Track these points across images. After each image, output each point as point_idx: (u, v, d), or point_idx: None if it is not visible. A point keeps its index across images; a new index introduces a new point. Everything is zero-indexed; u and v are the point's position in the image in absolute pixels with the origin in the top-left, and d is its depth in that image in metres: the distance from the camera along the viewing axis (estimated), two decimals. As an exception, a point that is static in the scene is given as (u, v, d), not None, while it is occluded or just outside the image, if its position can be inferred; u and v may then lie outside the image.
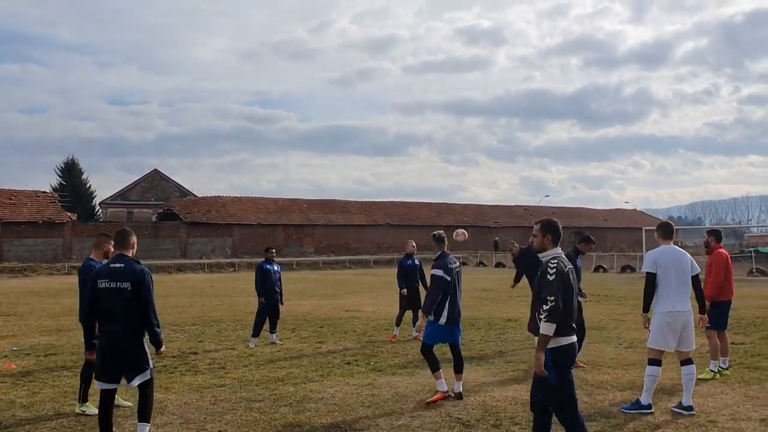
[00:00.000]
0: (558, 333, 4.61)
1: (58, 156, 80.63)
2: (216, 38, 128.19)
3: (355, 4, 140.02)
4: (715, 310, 8.35)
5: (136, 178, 73.75)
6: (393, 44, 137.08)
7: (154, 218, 59.88)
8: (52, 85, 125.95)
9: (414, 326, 10.12)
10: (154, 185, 71.48)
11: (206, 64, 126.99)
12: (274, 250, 12.54)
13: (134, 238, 5.99)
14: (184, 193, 68.53)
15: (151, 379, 5.67)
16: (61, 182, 76.03)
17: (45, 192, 49.50)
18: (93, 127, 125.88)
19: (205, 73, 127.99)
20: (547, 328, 4.59)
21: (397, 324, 12.32)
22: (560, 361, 4.66)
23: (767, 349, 10.56)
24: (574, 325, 4.78)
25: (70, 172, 76.99)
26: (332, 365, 9.47)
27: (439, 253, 7.73)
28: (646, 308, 7.02)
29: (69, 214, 47.24)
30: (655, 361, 6.76)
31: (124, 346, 5.49)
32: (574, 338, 4.78)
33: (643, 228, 37.59)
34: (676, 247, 7.07)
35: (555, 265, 4.70)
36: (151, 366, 5.67)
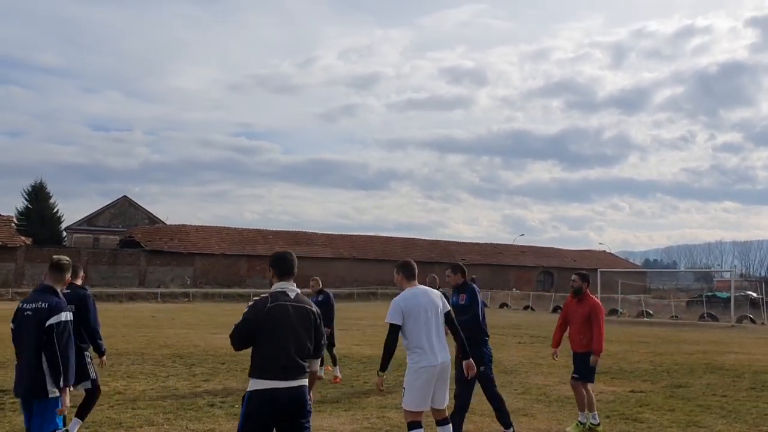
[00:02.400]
0: (256, 374, 4.41)
1: (29, 180, 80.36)
2: (202, 69, 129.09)
3: (341, 41, 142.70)
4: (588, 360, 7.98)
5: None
6: (377, 81, 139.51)
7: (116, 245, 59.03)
8: (34, 109, 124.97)
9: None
10: (123, 212, 70.54)
11: (191, 95, 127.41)
12: None
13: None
14: (153, 220, 67.72)
15: None
16: (27, 206, 75.06)
17: (1, 215, 48.66)
18: (74, 152, 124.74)
19: (190, 103, 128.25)
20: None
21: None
22: (248, 408, 4.36)
23: (662, 399, 10.23)
24: (284, 370, 4.38)
25: (38, 195, 75.95)
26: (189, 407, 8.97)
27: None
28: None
29: (24, 238, 46.38)
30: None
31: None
32: (277, 384, 4.34)
33: (598, 270, 37.43)
34: (423, 287, 6.21)
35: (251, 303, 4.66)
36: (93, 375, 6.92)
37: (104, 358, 7.21)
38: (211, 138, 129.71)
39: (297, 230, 61.02)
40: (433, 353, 5.82)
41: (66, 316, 5.10)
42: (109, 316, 25.52)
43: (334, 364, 11.84)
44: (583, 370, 8.01)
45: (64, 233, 73.52)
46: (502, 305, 44.65)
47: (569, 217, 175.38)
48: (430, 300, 5.99)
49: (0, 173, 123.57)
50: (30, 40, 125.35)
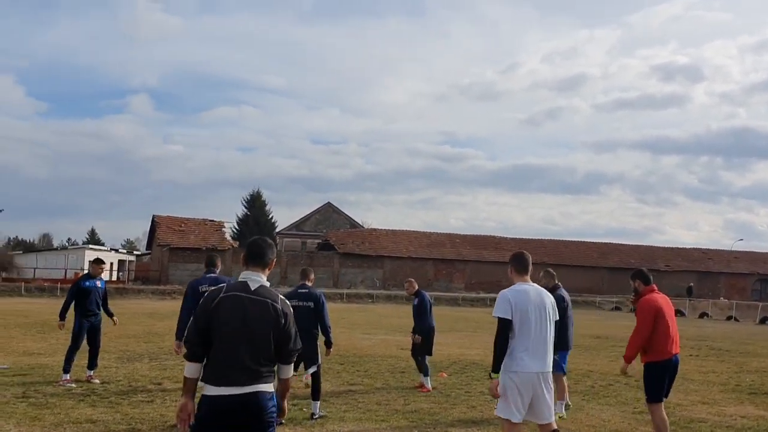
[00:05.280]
0: (204, 377, 3.89)
1: (264, 191, 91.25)
2: (408, 82, 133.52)
3: (544, 44, 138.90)
4: (645, 373, 7.05)
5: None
6: (583, 83, 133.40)
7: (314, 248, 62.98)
8: (262, 126, 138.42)
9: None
10: (327, 217, 75.06)
11: (398, 107, 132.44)
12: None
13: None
14: (353, 225, 71.32)
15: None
16: (246, 213, 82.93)
17: (212, 220, 54.15)
18: (297, 164, 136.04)
19: (398, 115, 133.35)
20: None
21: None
22: (197, 416, 3.86)
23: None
24: (233, 374, 3.80)
25: (255, 203, 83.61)
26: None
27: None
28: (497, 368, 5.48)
29: (231, 242, 51.23)
30: None
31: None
32: (225, 391, 3.77)
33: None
34: (537, 285, 5.69)
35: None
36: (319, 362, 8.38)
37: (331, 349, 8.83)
38: (418, 147, 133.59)
39: (485, 234, 60.50)
40: (533, 359, 5.36)
41: None
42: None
43: (425, 374, 10.85)
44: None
45: (277, 238, 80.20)
46: (702, 315, 40.67)
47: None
48: (541, 301, 5.52)
49: (232, 185, 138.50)
50: (260, 64, 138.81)
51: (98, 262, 10.88)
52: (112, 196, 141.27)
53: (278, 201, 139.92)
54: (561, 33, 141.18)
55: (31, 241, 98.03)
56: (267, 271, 4.10)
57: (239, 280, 4.02)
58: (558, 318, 5.77)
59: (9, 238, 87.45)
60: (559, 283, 9.52)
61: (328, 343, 8.57)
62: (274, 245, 4.28)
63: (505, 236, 61.01)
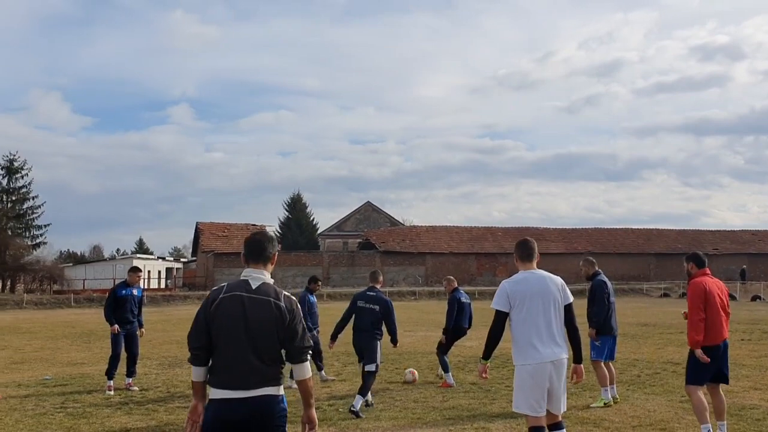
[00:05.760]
0: (210, 381, 3.76)
1: (305, 193, 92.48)
2: (444, 76, 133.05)
3: (579, 30, 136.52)
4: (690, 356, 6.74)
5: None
6: (621, 67, 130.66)
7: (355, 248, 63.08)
8: (301, 129, 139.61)
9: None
10: (367, 216, 75.14)
11: (435, 102, 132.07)
12: (320, 282, 12.19)
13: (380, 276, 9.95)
14: (393, 223, 71.26)
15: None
16: (287, 216, 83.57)
17: (254, 225, 54.66)
18: (336, 165, 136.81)
19: (435, 110, 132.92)
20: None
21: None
22: (204, 420, 3.70)
23: None
24: (239, 377, 3.63)
25: (295, 206, 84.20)
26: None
27: None
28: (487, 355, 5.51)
29: (273, 245, 51.61)
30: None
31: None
32: (231, 395, 3.62)
33: None
34: (542, 271, 5.44)
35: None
36: (378, 362, 8.86)
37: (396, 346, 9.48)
38: (456, 141, 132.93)
39: (527, 226, 59.77)
40: (543, 349, 5.16)
41: None
42: (328, 314, 27.39)
43: (445, 370, 10.83)
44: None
45: (319, 239, 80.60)
46: (755, 298, 39.41)
47: None
48: (544, 287, 5.27)
49: (274, 189, 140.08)
50: (295, 67, 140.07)
51: (135, 271, 10.95)
52: (159, 206, 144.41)
53: (320, 203, 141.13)
54: (596, 18, 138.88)
55: (82, 253, 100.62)
56: (270, 267, 3.92)
57: (240, 278, 3.88)
58: (569, 303, 5.38)
59: (61, 252, 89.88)
60: (600, 270, 9.42)
61: (394, 341, 9.30)
62: (275, 238, 4.06)
63: (547, 227, 60.24)
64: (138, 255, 67.76)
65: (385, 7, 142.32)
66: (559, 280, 5.42)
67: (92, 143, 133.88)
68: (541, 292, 5.27)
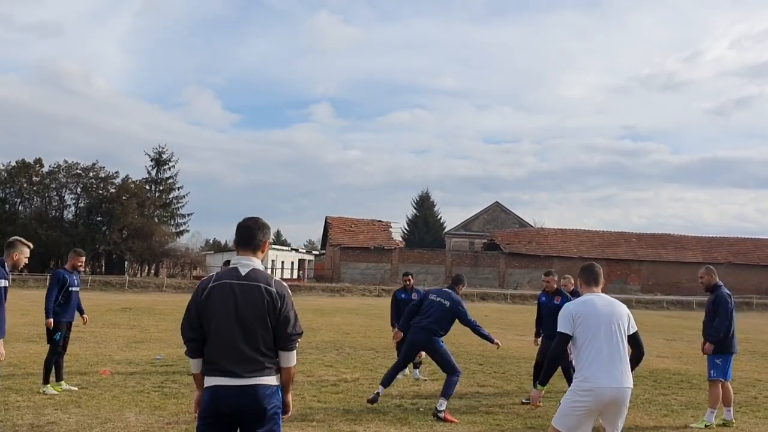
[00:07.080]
0: (204, 369, 3.77)
1: (437, 192, 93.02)
2: (585, 76, 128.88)
3: (732, 29, 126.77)
4: None
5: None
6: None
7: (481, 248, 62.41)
8: (435, 128, 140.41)
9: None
10: (495, 217, 74.21)
11: (575, 102, 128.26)
12: (410, 276, 11.75)
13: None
14: (522, 224, 69.87)
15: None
16: (415, 213, 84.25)
17: (380, 221, 55.46)
18: (470, 165, 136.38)
19: (574, 110, 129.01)
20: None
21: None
22: (200, 407, 3.74)
23: None
24: (230, 365, 3.64)
25: (423, 204, 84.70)
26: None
27: None
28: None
29: (398, 241, 52.23)
30: None
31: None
32: (222, 382, 3.63)
33: None
34: (608, 297, 5.23)
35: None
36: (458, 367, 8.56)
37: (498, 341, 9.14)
38: (596, 143, 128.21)
39: (663, 233, 56.47)
40: (608, 375, 4.93)
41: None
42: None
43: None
44: None
45: (445, 238, 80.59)
46: None
47: None
48: (610, 312, 5.10)
49: (407, 186, 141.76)
50: (434, 67, 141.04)
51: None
52: (299, 200, 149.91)
53: (452, 202, 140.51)
54: (752, 14, 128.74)
55: (226, 242, 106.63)
56: (260, 254, 3.86)
57: (230, 266, 3.86)
58: (635, 332, 5.17)
59: (206, 240, 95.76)
60: (720, 282, 8.65)
61: (482, 336, 8.89)
62: (268, 225, 3.94)
63: (686, 234, 56.53)
64: (274, 246, 70.86)
65: (527, 5, 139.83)
66: (625, 307, 5.21)
67: (240, 139, 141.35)
68: (607, 315, 5.06)
